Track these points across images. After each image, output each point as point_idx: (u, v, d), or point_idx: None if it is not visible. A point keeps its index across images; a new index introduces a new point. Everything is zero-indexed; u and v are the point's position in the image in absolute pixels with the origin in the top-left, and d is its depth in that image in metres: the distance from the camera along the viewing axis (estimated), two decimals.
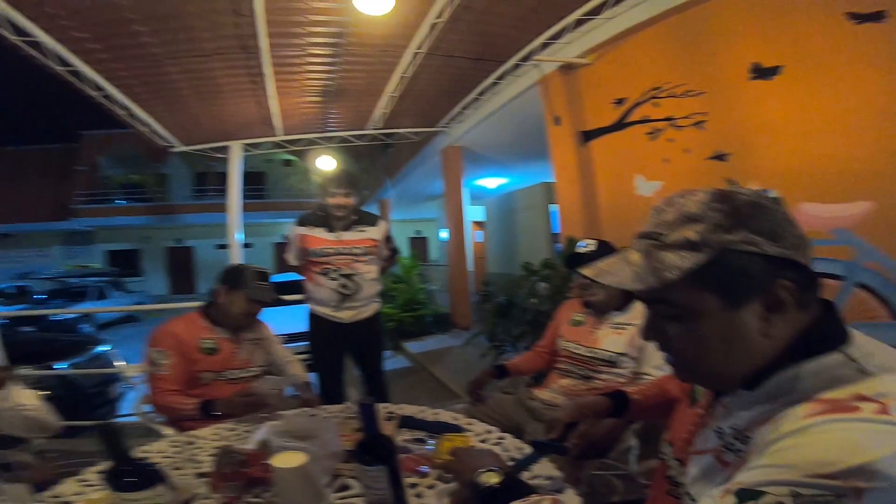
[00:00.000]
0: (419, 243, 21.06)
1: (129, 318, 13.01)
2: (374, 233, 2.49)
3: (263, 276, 1.81)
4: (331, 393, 2.44)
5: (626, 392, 1.14)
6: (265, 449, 1.15)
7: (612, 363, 1.67)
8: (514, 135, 6.15)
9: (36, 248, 19.40)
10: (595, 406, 1.09)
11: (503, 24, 3.98)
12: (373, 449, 0.89)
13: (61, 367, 3.82)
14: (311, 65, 4.46)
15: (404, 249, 17.59)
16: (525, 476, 0.98)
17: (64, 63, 3.61)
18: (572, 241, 3.54)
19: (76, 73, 3.80)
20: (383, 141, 7.11)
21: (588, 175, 3.84)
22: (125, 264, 18.78)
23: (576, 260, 1.80)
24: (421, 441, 1.31)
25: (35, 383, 3.44)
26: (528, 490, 0.73)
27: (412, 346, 6.09)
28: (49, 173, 20.17)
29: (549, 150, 4.32)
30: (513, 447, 1.25)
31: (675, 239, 0.60)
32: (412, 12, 3.59)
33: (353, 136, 6.72)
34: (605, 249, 1.72)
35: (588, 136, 3.82)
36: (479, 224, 12.35)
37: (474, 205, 10.98)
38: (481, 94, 5.38)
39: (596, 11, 3.69)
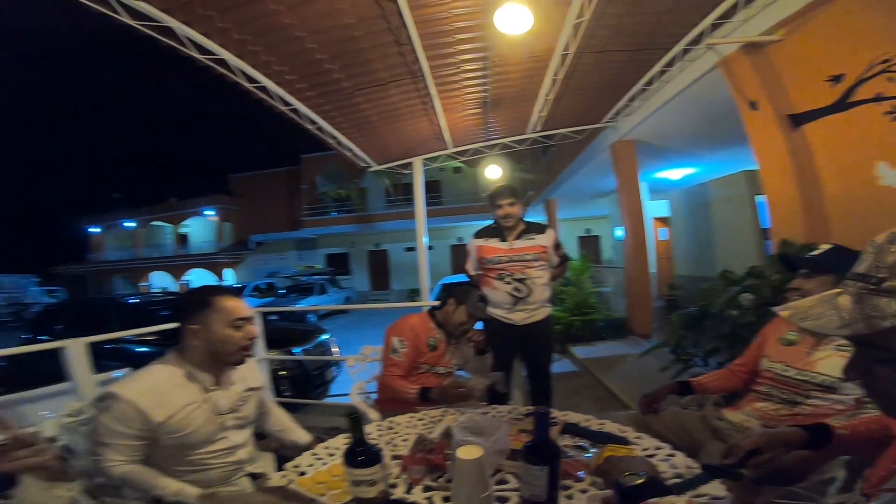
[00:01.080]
0: (590, 243, 20.09)
1: (341, 311, 15.67)
2: (543, 240, 2.63)
3: (484, 299, 2.22)
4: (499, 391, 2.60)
5: (831, 426, 1.01)
6: (447, 439, 1.31)
7: (830, 389, 1.41)
8: (698, 122, 5.43)
9: (278, 253, 24.82)
10: (788, 438, 0.99)
11: (657, 12, 3.66)
12: (539, 451, 0.98)
13: (297, 351, 4.73)
14: (467, 80, 4.72)
15: (573, 250, 17.05)
16: (689, 495, 0.94)
17: (285, 103, 4.60)
18: (787, 244, 2.99)
19: (295, 111, 4.80)
20: (544, 143, 7.09)
21: (805, 164, 3.17)
22: (339, 265, 22.74)
23: (793, 263, 1.58)
24: (581, 448, 1.32)
25: (279, 365, 4.47)
26: (666, 491, 0.74)
27: (580, 351, 5.89)
28: (284, 191, 25.65)
29: (745, 135, 3.72)
30: (683, 465, 1.18)
31: None
32: (552, 17, 3.57)
33: (514, 141, 6.85)
34: (836, 255, 1.46)
35: (799, 120, 3.16)
36: (662, 220, 11.19)
37: (655, 199, 10.01)
38: (649, 83, 4.95)
39: None
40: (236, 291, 1.53)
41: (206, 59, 3.63)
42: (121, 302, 6.27)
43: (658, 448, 1.30)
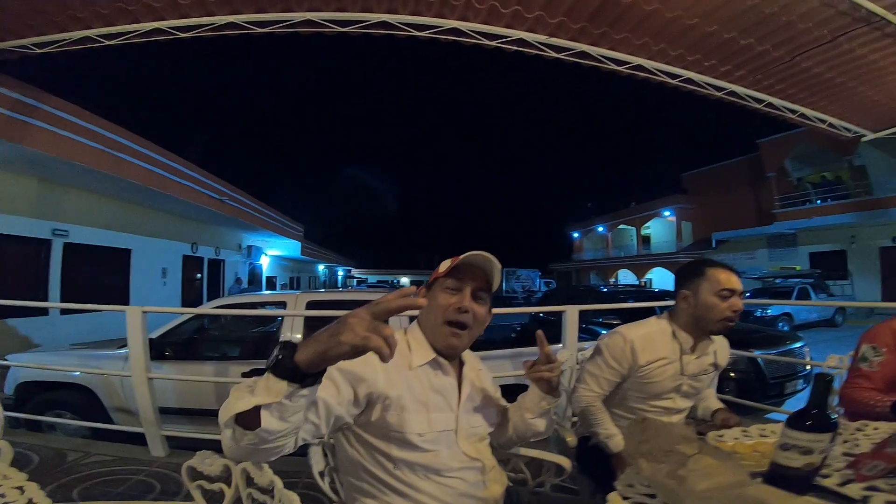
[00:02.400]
0: None
1: (828, 323, 12.35)
2: None
3: None
4: None
5: None
6: None
7: None
8: None
9: (745, 251, 22.28)
10: None
11: None
12: None
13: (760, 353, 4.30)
14: None
15: None
16: None
17: (717, 88, 4.42)
18: None
19: (732, 93, 4.47)
20: None
21: None
22: (828, 266, 17.75)
23: None
24: None
25: (731, 366, 4.21)
26: None
27: None
28: (742, 183, 23.06)
29: None
30: None
31: None
32: None
33: None
34: None
35: None
36: None
37: None
38: None
39: None
40: (732, 267, 1.59)
41: (625, 69, 4.08)
42: (597, 290, 8.10)
43: None
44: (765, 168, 20.90)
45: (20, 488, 0.96)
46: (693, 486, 0.80)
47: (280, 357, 0.72)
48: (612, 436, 1.55)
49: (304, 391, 0.74)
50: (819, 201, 18.90)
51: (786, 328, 10.93)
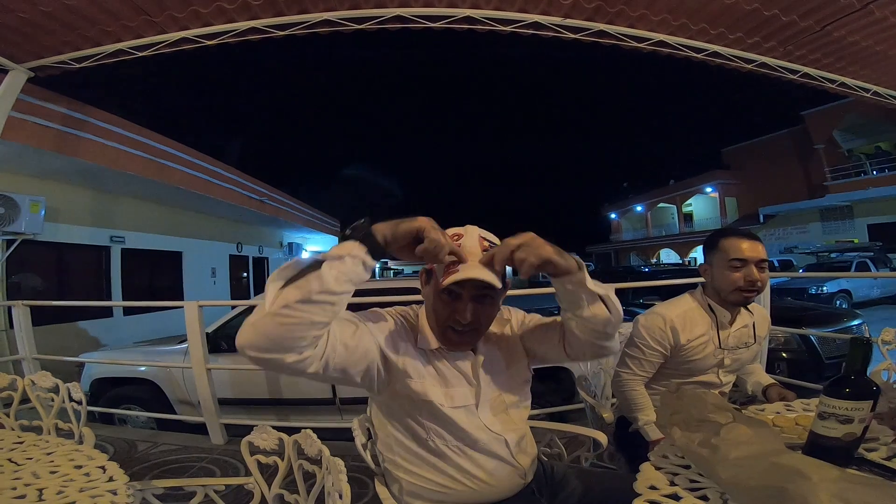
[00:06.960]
0: None
1: (892, 299, 11.55)
2: None
3: None
4: None
5: None
6: None
7: None
8: None
9: (796, 226, 21.07)
10: None
11: None
12: None
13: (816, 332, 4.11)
14: None
15: None
16: None
17: (749, 62, 4.25)
18: None
19: (764, 65, 4.28)
20: None
21: None
22: (889, 238, 16.54)
23: None
24: None
25: (781, 344, 4.07)
26: None
27: None
28: (788, 156, 21.95)
29: None
30: None
31: None
32: None
33: None
34: None
35: None
36: None
37: None
38: None
39: None
40: (751, 234, 1.51)
41: (647, 46, 3.98)
42: (637, 270, 8.10)
43: None
44: (812, 140, 19.89)
45: (102, 468, 1.07)
46: (726, 454, 0.80)
47: (362, 222, 0.84)
48: (648, 422, 1.50)
49: (366, 260, 0.83)
50: (875, 172, 17.76)
51: (844, 306, 10.32)
